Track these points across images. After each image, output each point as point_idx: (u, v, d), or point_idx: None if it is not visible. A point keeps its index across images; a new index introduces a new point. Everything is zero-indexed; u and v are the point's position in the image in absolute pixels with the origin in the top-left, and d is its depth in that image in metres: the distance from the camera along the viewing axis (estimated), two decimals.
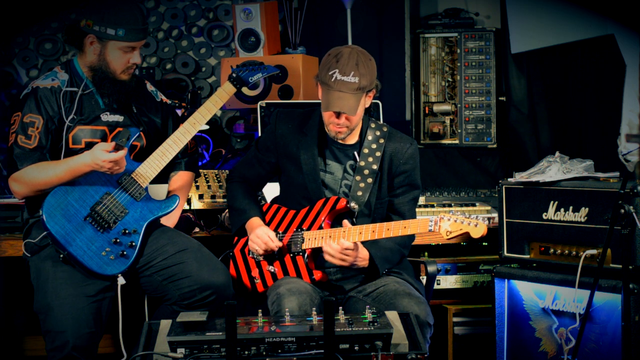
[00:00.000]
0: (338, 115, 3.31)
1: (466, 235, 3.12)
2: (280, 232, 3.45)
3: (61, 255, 3.29)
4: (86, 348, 3.26)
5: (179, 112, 4.21)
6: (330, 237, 3.31)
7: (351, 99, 3.26)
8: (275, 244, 3.37)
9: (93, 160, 3.23)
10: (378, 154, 3.41)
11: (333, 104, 3.26)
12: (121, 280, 3.32)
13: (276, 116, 3.54)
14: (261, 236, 3.38)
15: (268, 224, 3.50)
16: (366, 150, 3.42)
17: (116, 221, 3.35)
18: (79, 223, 3.31)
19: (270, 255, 3.44)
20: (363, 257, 3.30)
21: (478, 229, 3.09)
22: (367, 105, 3.39)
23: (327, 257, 3.29)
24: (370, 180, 3.39)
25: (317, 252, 3.40)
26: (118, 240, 3.33)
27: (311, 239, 3.36)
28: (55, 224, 3.27)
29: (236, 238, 3.58)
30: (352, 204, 3.37)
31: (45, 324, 3.28)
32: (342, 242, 3.23)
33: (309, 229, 3.39)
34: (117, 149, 3.24)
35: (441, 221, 3.14)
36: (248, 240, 3.51)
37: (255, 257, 3.48)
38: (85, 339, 3.25)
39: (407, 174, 3.44)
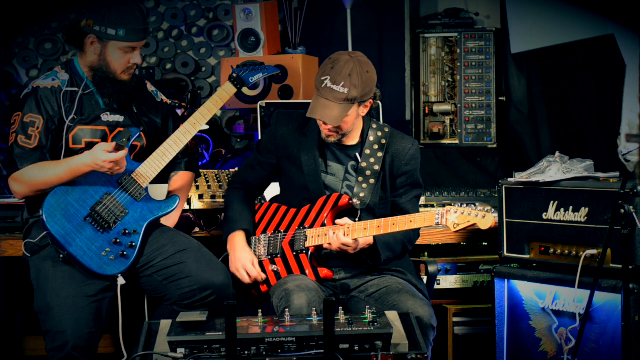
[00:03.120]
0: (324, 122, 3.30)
1: (474, 227, 3.12)
2: (282, 230, 3.45)
3: (61, 256, 3.29)
4: (86, 348, 3.26)
5: (179, 112, 4.21)
6: (334, 234, 3.31)
7: (336, 108, 3.23)
8: (257, 274, 3.41)
9: (93, 160, 3.23)
10: (380, 154, 3.41)
11: (315, 111, 3.25)
12: (121, 281, 3.32)
13: (277, 117, 3.54)
14: (250, 270, 3.41)
15: (268, 224, 3.50)
16: (368, 151, 3.42)
17: (116, 221, 3.35)
18: (79, 223, 3.31)
19: (273, 254, 3.44)
20: (367, 242, 3.30)
21: (486, 220, 3.09)
22: (362, 114, 3.36)
23: (326, 246, 3.31)
24: (372, 180, 3.39)
25: (320, 250, 3.40)
26: (118, 241, 3.33)
27: (314, 237, 3.36)
28: (55, 224, 3.27)
29: None
30: (355, 200, 3.37)
31: (45, 323, 3.28)
32: (341, 238, 3.24)
33: (311, 226, 3.39)
34: (117, 149, 3.24)
35: (448, 214, 3.14)
36: (248, 240, 3.51)
37: (256, 256, 3.48)
38: (85, 338, 3.25)
39: (410, 174, 3.44)
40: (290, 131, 3.49)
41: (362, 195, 3.38)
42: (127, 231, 3.35)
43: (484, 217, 3.10)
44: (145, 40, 3.46)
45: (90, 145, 3.35)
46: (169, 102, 3.72)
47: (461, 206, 3.15)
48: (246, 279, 3.40)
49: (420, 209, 3.73)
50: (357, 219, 3.38)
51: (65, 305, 3.25)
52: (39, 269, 3.35)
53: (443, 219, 3.15)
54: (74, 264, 3.28)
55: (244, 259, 3.41)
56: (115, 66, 3.41)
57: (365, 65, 3.27)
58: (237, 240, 3.46)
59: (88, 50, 3.41)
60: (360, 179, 3.40)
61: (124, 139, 3.27)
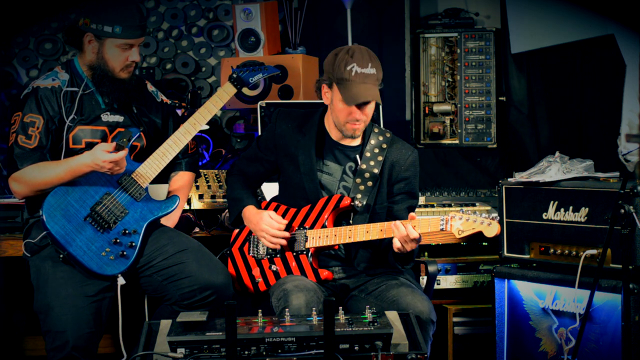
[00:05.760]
0: (361, 107, 3.29)
1: (478, 235, 3.10)
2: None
3: (61, 256, 3.28)
4: (86, 348, 3.26)
5: (179, 112, 4.21)
6: (335, 235, 3.31)
7: (374, 89, 3.29)
8: (282, 223, 3.38)
9: (93, 160, 3.23)
10: (380, 158, 3.41)
11: (360, 94, 3.26)
12: (121, 281, 3.32)
13: (277, 115, 3.54)
14: (270, 224, 3.37)
15: None
16: (368, 154, 3.42)
17: (116, 221, 3.35)
18: (79, 223, 3.31)
19: (272, 254, 3.44)
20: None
21: (491, 228, 3.08)
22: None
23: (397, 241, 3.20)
24: (370, 183, 3.39)
25: (320, 251, 3.40)
26: (118, 241, 3.33)
27: (315, 238, 3.36)
28: (55, 224, 3.27)
29: (234, 235, 3.58)
30: (357, 202, 3.37)
31: (45, 323, 3.28)
32: (412, 232, 3.14)
33: (311, 227, 3.38)
34: (117, 149, 3.24)
35: (452, 220, 3.13)
36: (246, 237, 3.52)
37: (255, 256, 3.48)
38: (85, 338, 3.25)
39: (408, 181, 3.43)
40: (289, 129, 3.49)
41: (358, 196, 3.38)
42: (127, 231, 3.35)
43: (490, 225, 3.08)
44: (143, 38, 3.45)
45: (90, 145, 3.35)
46: (169, 102, 3.72)
47: (466, 212, 3.13)
48: (273, 233, 3.38)
49: (420, 209, 3.73)
50: (350, 221, 3.38)
51: (65, 305, 3.25)
52: (38, 269, 3.35)
53: (447, 225, 3.14)
54: (74, 264, 3.28)
55: (263, 218, 3.40)
56: (113, 64, 3.41)
57: (371, 50, 3.34)
58: (251, 212, 3.46)
59: (86, 49, 3.42)
60: (358, 180, 3.39)
61: (124, 139, 3.27)
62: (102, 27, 3.35)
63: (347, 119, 3.33)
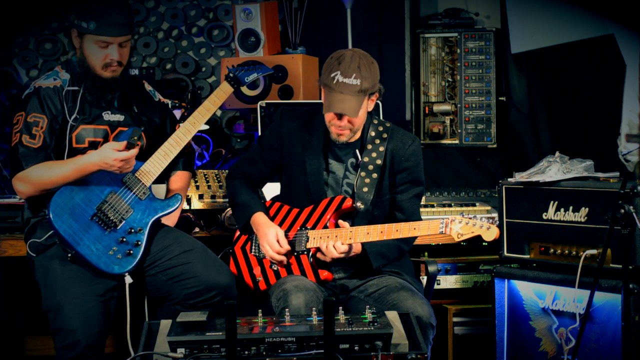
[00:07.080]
0: (340, 117, 3.31)
1: (477, 237, 3.12)
2: (284, 230, 3.44)
3: (69, 255, 3.28)
4: (96, 347, 3.25)
5: (179, 112, 4.22)
6: (336, 236, 3.31)
7: (352, 100, 3.25)
8: (284, 248, 3.38)
9: (102, 159, 3.23)
10: (381, 149, 3.41)
11: (334, 105, 3.26)
12: (128, 279, 3.31)
13: (281, 114, 3.54)
14: (272, 244, 3.38)
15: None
16: (369, 146, 3.42)
17: (122, 220, 3.35)
18: (85, 222, 3.30)
19: None
20: (355, 251, 3.32)
21: (490, 232, 3.09)
22: (370, 109, 3.38)
23: (319, 255, 3.31)
24: (375, 175, 3.39)
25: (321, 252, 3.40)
26: (124, 239, 3.32)
27: (316, 238, 3.36)
28: (62, 224, 3.26)
29: (236, 235, 3.58)
30: (358, 204, 3.37)
31: (55, 322, 3.27)
32: (339, 247, 3.25)
33: (313, 228, 3.38)
34: (128, 147, 3.24)
35: (452, 223, 3.13)
36: (249, 237, 3.51)
37: (257, 255, 3.48)
38: (96, 338, 3.24)
39: (410, 171, 3.43)
40: (294, 128, 3.49)
41: (365, 190, 3.37)
42: (132, 230, 3.35)
43: (489, 229, 3.09)
44: (123, 37, 3.38)
45: (93, 144, 3.36)
46: (166, 101, 3.72)
47: (466, 216, 3.14)
48: (272, 255, 3.39)
49: (421, 209, 3.72)
50: (352, 221, 3.38)
51: (75, 303, 3.24)
52: (46, 268, 3.34)
53: (447, 229, 3.15)
54: (82, 263, 3.28)
55: (269, 234, 3.39)
56: (92, 61, 3.39)
57: (368, 57, 3.31)
58: (260, 220, 3.45)
59: (75, 44, 3.42)
60: (363, 173, 3.39)
61: (135, 137, 3.27)
62: (80, 22, 3.34)
63: (330, 123, 3.36)
